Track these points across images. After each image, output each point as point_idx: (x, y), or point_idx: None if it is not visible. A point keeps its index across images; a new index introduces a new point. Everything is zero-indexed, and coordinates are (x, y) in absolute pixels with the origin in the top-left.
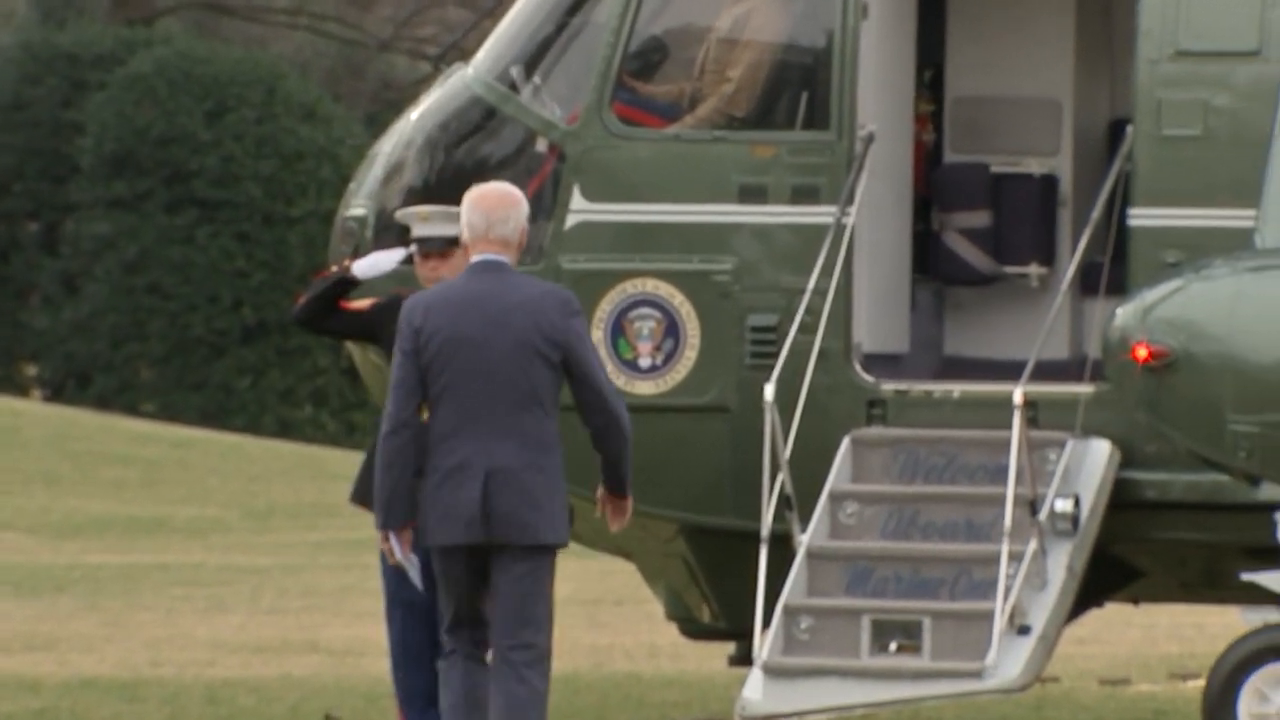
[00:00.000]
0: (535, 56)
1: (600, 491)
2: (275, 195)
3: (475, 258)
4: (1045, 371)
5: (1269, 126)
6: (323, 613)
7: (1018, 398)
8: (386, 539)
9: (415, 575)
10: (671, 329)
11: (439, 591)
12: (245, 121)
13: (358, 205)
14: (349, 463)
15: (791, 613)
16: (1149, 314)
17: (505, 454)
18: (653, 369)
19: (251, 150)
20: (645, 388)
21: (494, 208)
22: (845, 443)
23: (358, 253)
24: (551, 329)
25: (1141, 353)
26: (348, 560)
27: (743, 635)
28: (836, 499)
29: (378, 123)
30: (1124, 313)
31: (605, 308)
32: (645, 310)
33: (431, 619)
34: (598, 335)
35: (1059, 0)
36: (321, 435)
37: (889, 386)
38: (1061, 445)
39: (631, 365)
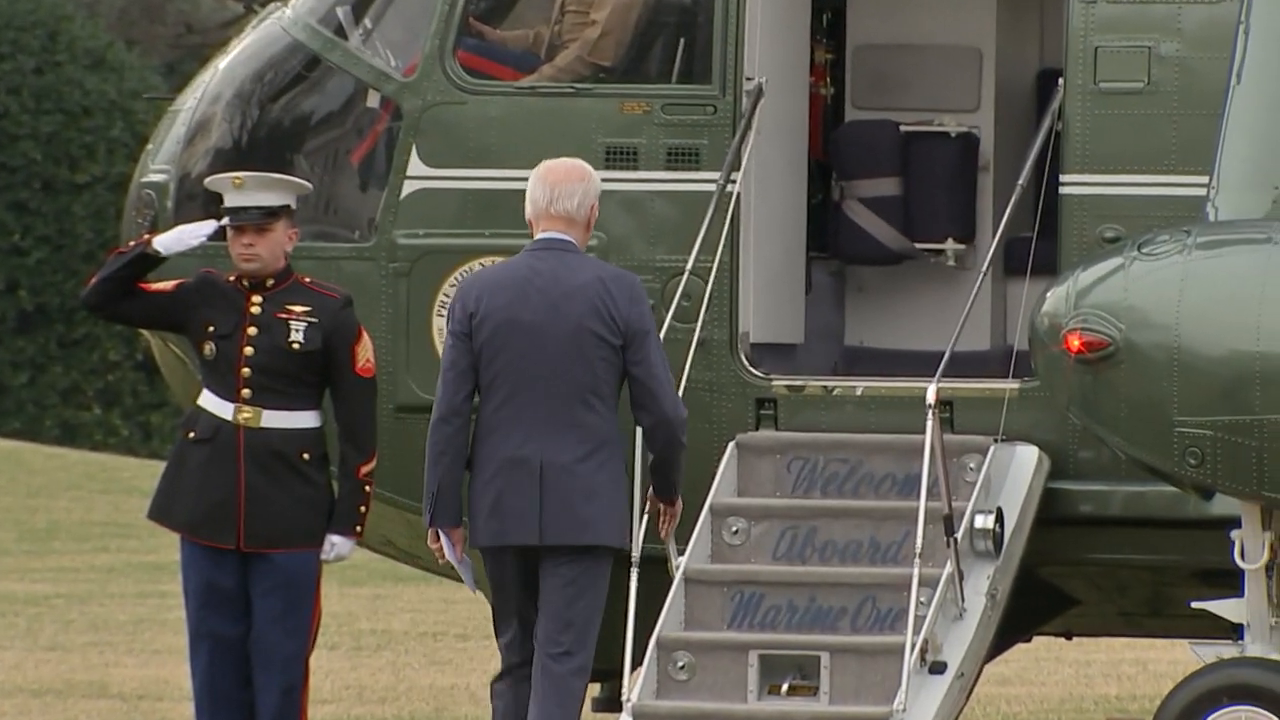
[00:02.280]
0: None
1: (650, 494)
2: (58, 158)
3: (537, 235)
4: (963, 365)
5: (1223, 78)
6: (114, 649)
7: (931, 396)
8: (436, 538)
9: (468, 579)
10: None
11: (492, 598)
12: (21, 71)
13: (157, 170)
14: (146, 473)
15: (666, 648)
16: (1083, 298)
17: (561, 448)
18: None
19: (29, 105)
20: None
21: (559, 181)
22: (730, 448)
23: (157, 226)
24: (615, 315)
25: (1075, 343)
26: (144, 588)
27: (609, 675)
28: (719, 515)
29: (179, 73)
30: (1054, 297)
31: (448, 291)
32: None
33: (241, 656)
34: (439, 323)
35: None
36: (113, 441)
37: (781, 383)
38: (982, 451)
39: None
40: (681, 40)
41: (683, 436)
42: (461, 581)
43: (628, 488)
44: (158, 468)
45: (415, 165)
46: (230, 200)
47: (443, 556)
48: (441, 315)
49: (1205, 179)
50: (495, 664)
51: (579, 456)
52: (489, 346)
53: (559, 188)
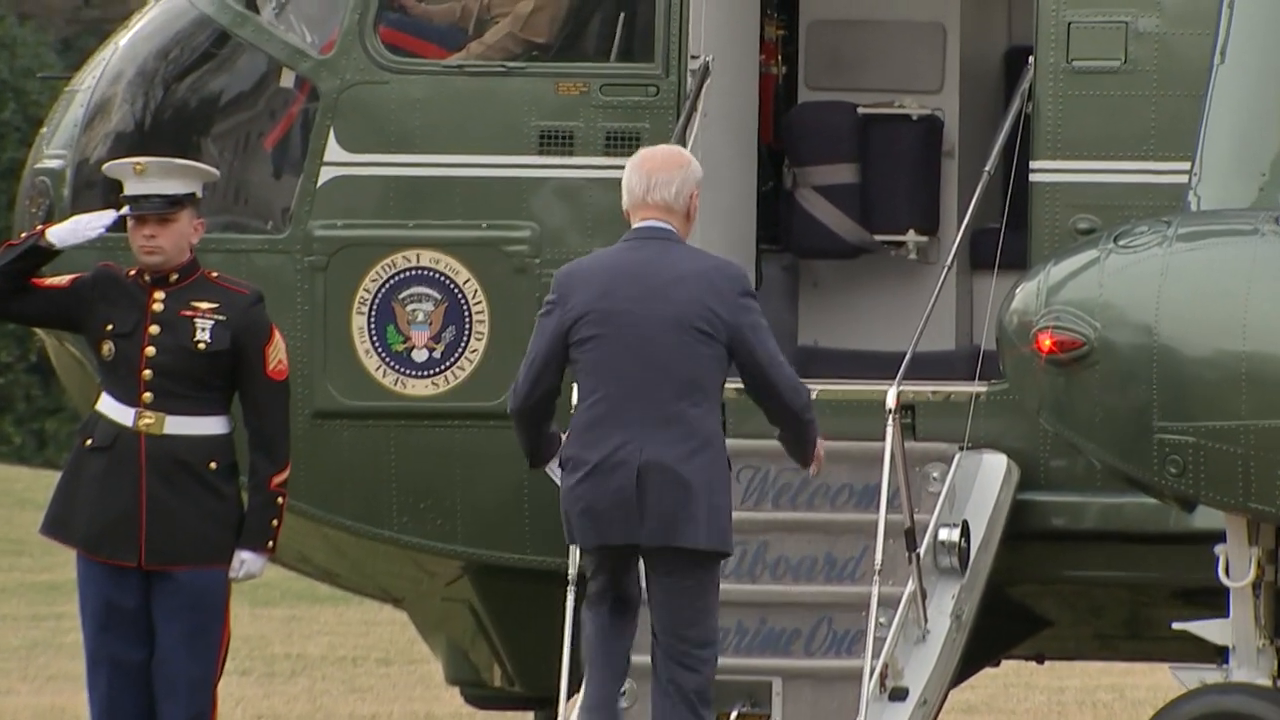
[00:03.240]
0: None
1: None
2: None
3: (635, 224)
4: (926, 367)
5: (1206, 57)
6: (6, 676)
7: (891, 400)
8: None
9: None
10: (454, 314)
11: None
12: None
13: (52, 156)
14: (41, 485)
15: None
16: (1055, 295)
17: (660, 448)
18: (430, 365)
19: None
20: (420, 388)
21: (656, 169)
22: None
23: (53, 216)
24: (718, 309)
25: (1046, 343)
26: (38, 609)
27: (544, 702)
28: None
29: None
30: (1024, 293)
31: (369, 286)
32: (420, 290)
33: (144, 682)
34: (360, 322)
35: None
36: (5, 450)
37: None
38: (947, 460)
39: (403, 359)
40: (621, 15)
41: (809, 418)
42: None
43: (729, 485)
44: (53, 478)
45: (333, 150)
46: (131, 188)
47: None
48: (361, 313)
49: (1186, 166)
50: (419, 690)
51: (680, 456)
52: (583, 340)
53: (655, 175)
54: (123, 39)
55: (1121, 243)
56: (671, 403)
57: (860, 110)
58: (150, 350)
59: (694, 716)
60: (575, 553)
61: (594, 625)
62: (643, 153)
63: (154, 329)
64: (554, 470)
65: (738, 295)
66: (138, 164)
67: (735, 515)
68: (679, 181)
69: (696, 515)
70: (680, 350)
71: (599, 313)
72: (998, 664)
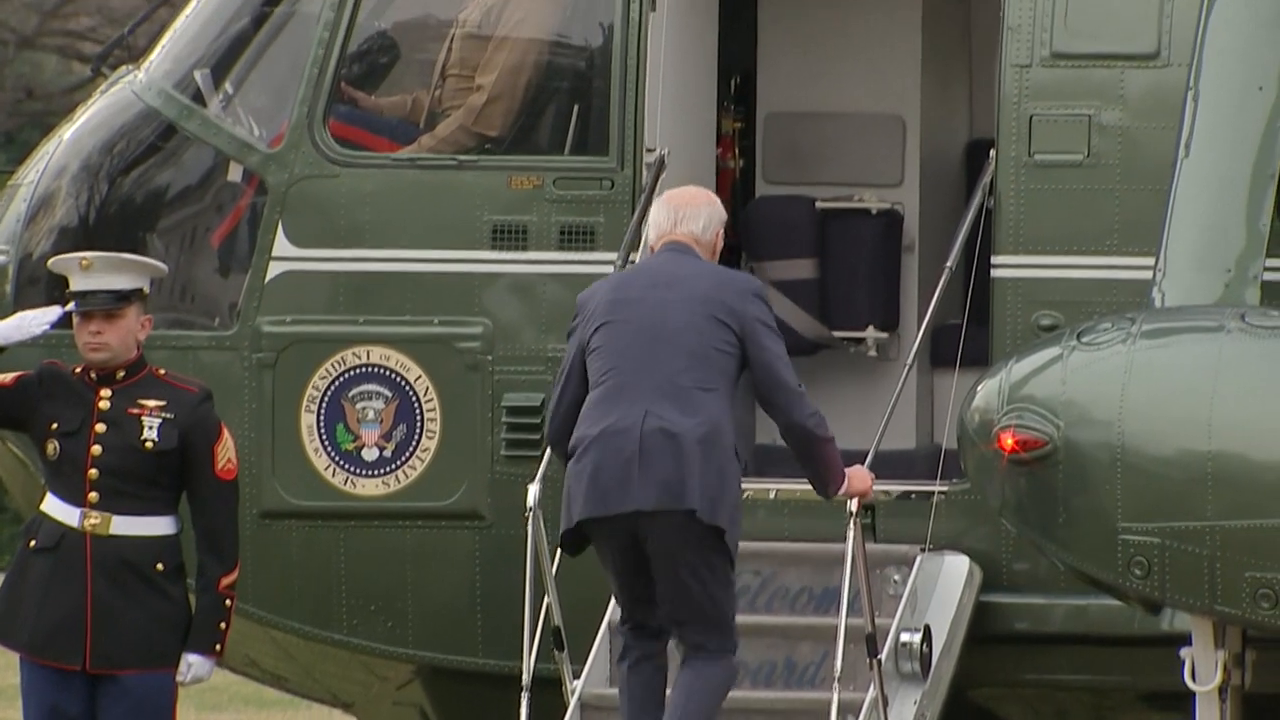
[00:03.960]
0: (227, 58)
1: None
2: None
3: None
4: (887, 466)
5: (1170, 150)
6: None
7: (853, 502)
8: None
9: None
10: (405, 412)
11: (607, 579)
12: None
13: None
14: None
15: None
16: (1017, 392)
17: (667, 417)
18: (381, 464)
19: None
20: (371, 488)
21: (684, 204)
22: None
23: None
24: (732, 300)
25: (1008, 442)
26: None
27: None
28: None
29: (19, 143)
30: (986, 391)
31: (319, 384)
32: (371, 387)
33: None
34: (309, 420)
35: None
36: None
37: None
38: (908, 562)
39: (353, 458)
40: (575, 107)
41: (819, 432)
42: None
43: (737, 476)
44: None
45: (282, 245)
46: (77, 284)
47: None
48: (311, 411)
49: (1151, 261)
50: None
51: (686, 427)
52: (596, 327)
53: (684, 210)
54: (67, 132)
55: (1085, 340)
56: (681, 377)
57: (819, 204)
58: (96, 449)
59: (707, 657)
60: (530, 659)
61: (625, 687)
62: (670, 192)
63: (100, 428)
64: None
65: (750, 293)
66: (84, 259)
67: None
68: (705, 217)
69: (694, 483)
70: (688, 325)
71: (609, 302)
72: None
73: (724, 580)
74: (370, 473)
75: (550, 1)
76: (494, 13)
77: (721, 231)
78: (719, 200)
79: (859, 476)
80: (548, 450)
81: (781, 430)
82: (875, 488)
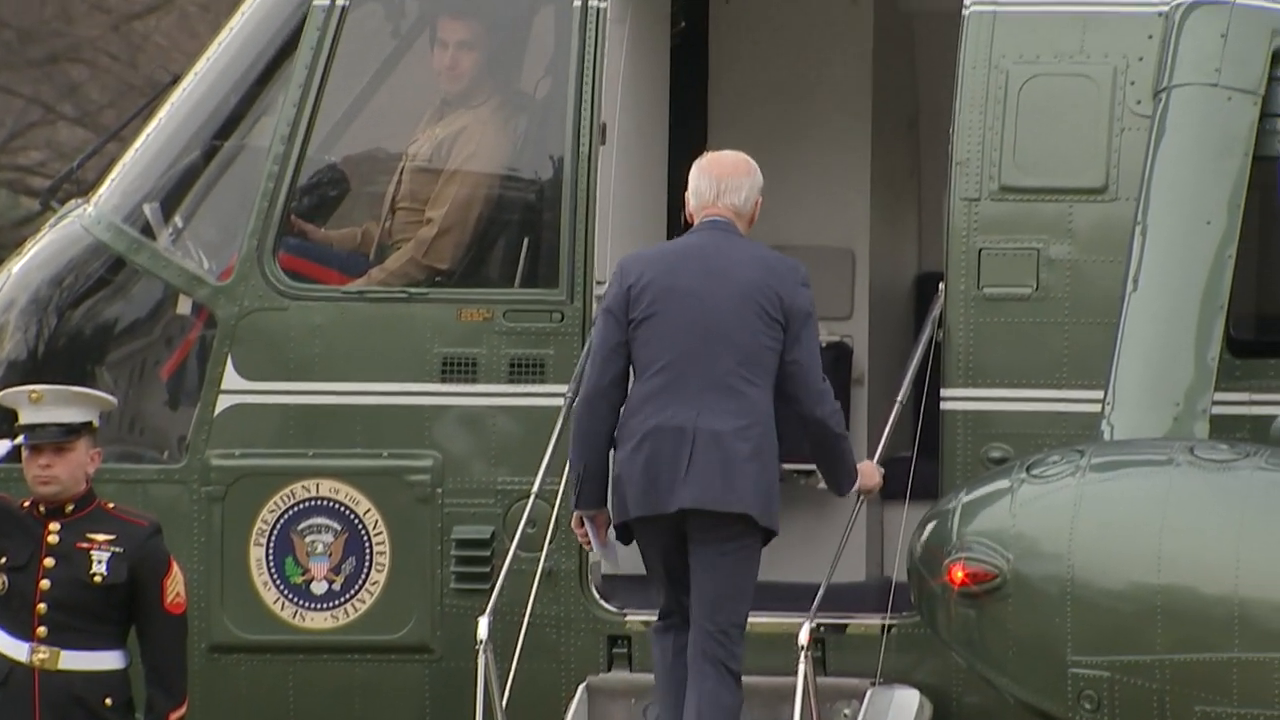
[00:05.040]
0: (176, 192)
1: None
2: None
3: (702, 219)
4: (837, 599)
5: (1118, 284)
6: None
7: (804, 635)
8: (580, 523)
9: (614, 561)
10: (354, 545)
11: (651, 578)
12: None
13: None
14: None
15: None
16: (967, 525)
17: (716, 417)
18: (329, 597)
19: None
20: (320, 621)
21: (726, 174)
22: (580, 692)
23: None
24: (779, 293)
25: (958, 575)
26: None
27: None
28: None
29: None
30: (936, 523)
31: (268, 517)
32: (320, 520)
33: None
34: (257, 553)
35: (849, 124)
36: None
37: (636, 618)
38: (858, 696)
39: (302, 592)
40: (525, 240)
41: (836, 429)
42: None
43: (778, 470)
44: None
45: (231, 378)
46: (26, 417)
47: (588, 542)
48: (259, 544)
49: (1099, 394)
50: None
51: (735, 428)
52: (645, 316)
53: (725, 181)
54: (15, 266)
55: (1034, 472)
56: (730, 374)
57: None
58: (45, 584)
59: (720, 674)
60: None
61: (659, 651)
62: (710, 157)
63: (49, 562)
64: (608, 553)
65: (798, 283)
66: (33, 392)
67: None
68: (748, 188)
69: (741, 485)
70: (741, 324)
71: (660, 288)
72: None
73: (753, 574)
74: (319, 606)
75: (500, 135)
76: (444, 146)
77: (760, 200)
78: (757, 169)
79: (868, 473)
80: (499, 580)
81: (801, 423)
82: (827, 620)
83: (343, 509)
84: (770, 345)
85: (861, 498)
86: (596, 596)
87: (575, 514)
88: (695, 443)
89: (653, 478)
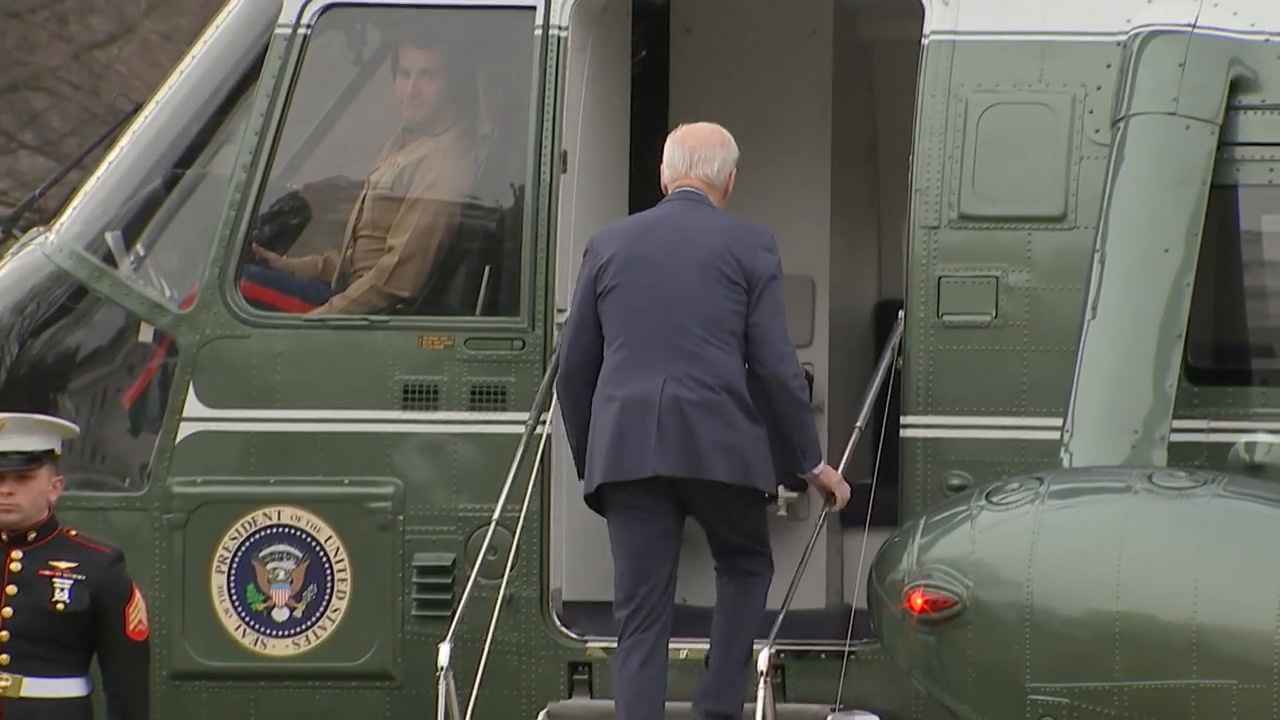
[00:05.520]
0: (138, 220)
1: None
2: None
3: (674, 190)
4: (797, 626)
5: (1078, 312)
6: None
7: (763, 660)
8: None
9: None
10: (315, 572)
11: (614, 553)
12: None
13: None
14: None
15: None
16: (927, 552)
17: (684, 384)
18: (291, 624)
19: None
20: (281, 648)
21: (699, 145)
22: (541, 719)
23: None
24: (740, 258)
25: (918, 602)
26: None
27: None
28: None
29: None
30: (895, 550)
31: (229, 544)
32: (282, 547)
33: None
34: (219, 580)
35: (809, 152)
36: None
37: (597, 645)
38: None
39: (263, 619)
40: (487, 268)
41: (799, 392)
42: None
43: (757, 428)
44: None
45: (193, 405)
46: None
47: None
48: (221, 571)
49: (1059, 421)
50: None
51: (700, 395)
52: (610, 287)
53: (699, 152)
54: None
55: (993, 500)
56: (695, 340)
57: None
58: (7, 611)
59: (741, 579)
60: None
61: (623, 676)
62: (684, 128)
63: (11, 589)
64: None
65: (759, 246)
66: None
67: None
68: (720, 159)
69: (707, 450)
70: (704, 289)
71: (624, 259)
72: None
73: (759, 518)
74: (281, 633)
75: (462, 163)
76: (406, 174)
77: (734, 171)
78: (731, 140)
79: (837, 479)
80: (460, 607)
81: (762, 385)
82: (789, 646)
83: (304, 536)
84: (734, 309)
85: (825, 512)
86: (557, 624)
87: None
88: (661, 410)
89: (620, 447)
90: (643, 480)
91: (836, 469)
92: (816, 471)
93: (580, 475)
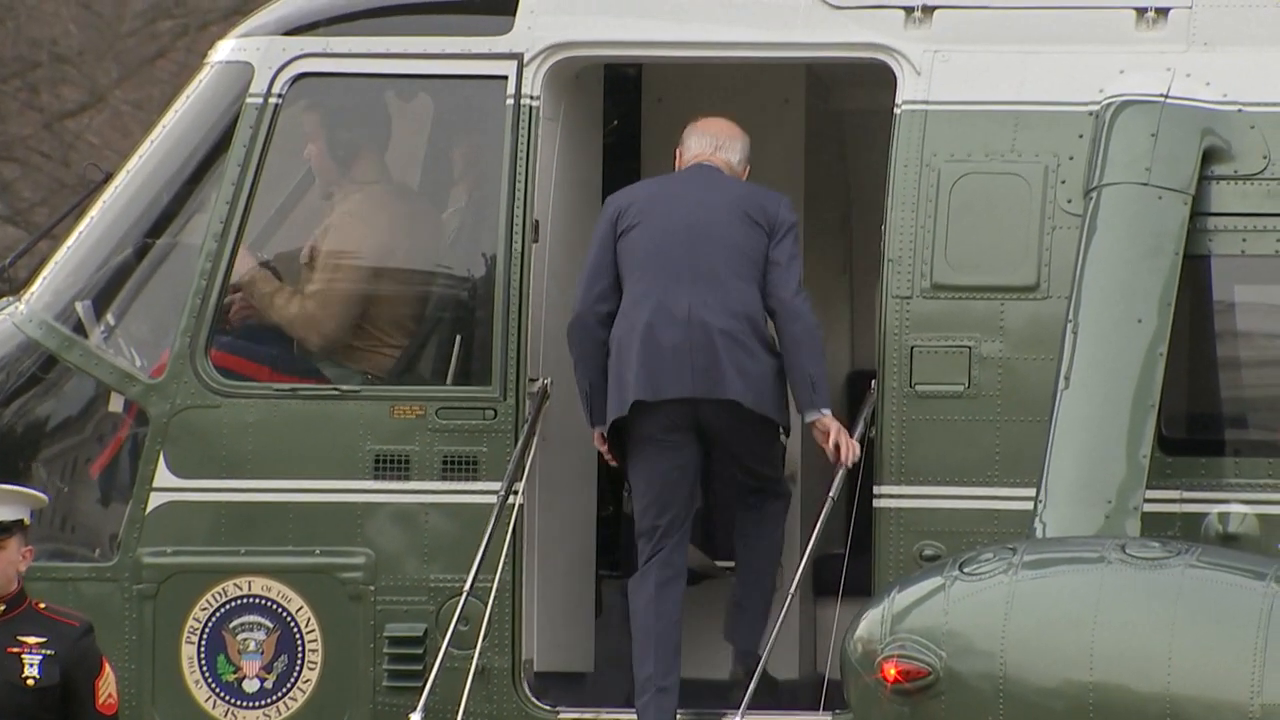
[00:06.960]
0: (108, 289)
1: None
2: None
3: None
4: (770, 696)
5: (1051, 381)
6: None
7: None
8: (603, 439)
9: None
10: (286, 642)
11: (635, 486)
12: None
13: None
14: None
15: None
16: (900, 622)
17: (709, 309)
18: (262, 695)
19: None
20: (252, 719)
21: (722, 133)
22: None
23: None
24: (765, 203)
25: (891, 672)
26: None
27: None
28: None
29: None
30: (869, 620)
31: (200, 615)
32: (252, 618)
33: None
34: (190, 651)
35: None
36: None
37: (569, 715)
38: None
39: (234, 690)
40: (458, 338)
41: (813, 325)
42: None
43: (774, 362)
44: None
45: (163, 475)
46: None
47: (613, 458)
48: (191, 642)
49: (1032, 491)
50: None
51: (726, 323)
52: (632, 224)
53: (723, 138)
54: None
55: (967, 570)
56: (718, 270)
57: None
58: None
59: (757, 507)
60: None
61: (641, 597)
62: (703, 119)
63: None
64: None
65: (783, 201)
66: None
67: None
68: (741, 150)
69: (731, 374)
70: (728, 225)
71: (648, 198)
72: None
73: (774, 450)
74: (251, 704)
75: (435, 229)
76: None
77: (748, 170)
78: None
79: (848, 439)
80: (431, 678)
81: (778, 314)
82: (762, 717)
83: (275, 607)
84: (757, 246)
85: (797, 579)
86: (529, 694)
87: (595, 431)
88: (689, 331)
89: (653, 367)
90: (671, 405)
91: (808, 541)
92: (825, 414)
93: (590, 420)
